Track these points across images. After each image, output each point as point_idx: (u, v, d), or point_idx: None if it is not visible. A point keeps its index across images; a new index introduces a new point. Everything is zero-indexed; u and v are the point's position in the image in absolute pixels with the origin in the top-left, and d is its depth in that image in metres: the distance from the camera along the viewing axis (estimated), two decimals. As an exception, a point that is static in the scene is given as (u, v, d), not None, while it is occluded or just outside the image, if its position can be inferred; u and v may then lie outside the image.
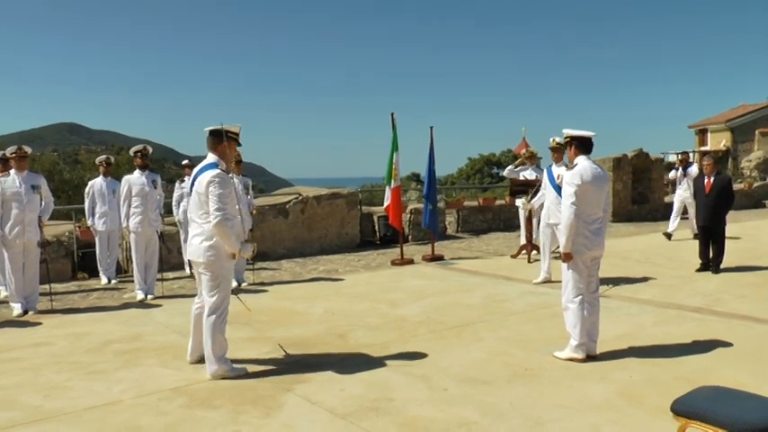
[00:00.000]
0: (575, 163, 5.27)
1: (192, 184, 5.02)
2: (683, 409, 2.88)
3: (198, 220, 4.94)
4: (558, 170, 8.15)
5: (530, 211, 10.76)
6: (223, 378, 4.92)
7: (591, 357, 5.19)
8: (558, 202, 7.88)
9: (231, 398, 4.48)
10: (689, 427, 2.88)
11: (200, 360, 5.17)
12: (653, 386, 4.55)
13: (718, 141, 37.24)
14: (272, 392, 4.57)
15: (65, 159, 48.69)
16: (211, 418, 4.15)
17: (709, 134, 39.66)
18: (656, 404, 4.18)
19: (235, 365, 5.05)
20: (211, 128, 5.04)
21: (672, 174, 13.41)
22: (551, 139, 8.54)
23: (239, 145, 5.27)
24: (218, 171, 4.84)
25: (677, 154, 14.34)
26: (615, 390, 4.49)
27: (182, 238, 10.41)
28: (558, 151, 8.43)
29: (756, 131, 33.95)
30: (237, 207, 5.02)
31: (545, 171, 8.57)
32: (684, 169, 12.81)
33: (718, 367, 4.95)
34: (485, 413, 4.12)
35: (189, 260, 5.03)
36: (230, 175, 4.99)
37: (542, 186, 8.68)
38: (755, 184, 21.49)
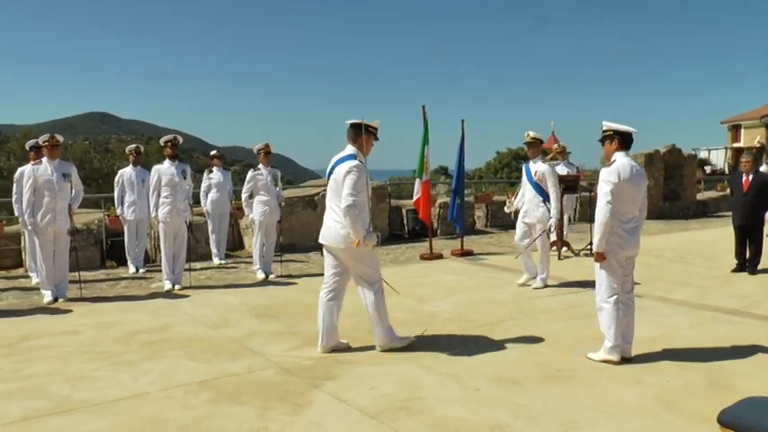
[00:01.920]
0: (612, 159, 5.11)
1: (330, 174, 5.27)
2: (732, 421, 2.75)
3: (335, 207, 5.18)
4: (535, 166, 7.85)
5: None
6: (391, 349, 5.31)
7: (625, 359, 5.04)
8: (535, 200, 7.77)
9: (258, 393, 4.43)
10: (736, 440, 2.75)
11: (334, 350, 5.37)
12: (691, 392, 4.41)
13: (752, 137, 36.48)
14: (300, 389, 4.51)
15: (95, 148, 49.37)
16: (238, 413, 4.10)
17: (742, 130, 38.90)
18: (696, 411, 4.05)
19: (401, 335, 5.44)
20: (353, 121, 5.29)
21: (763, 167, 13.12)
22: (526, 134, 8.06)
23: (377, 139, 5.46)
24: (357, 162, 5.11)
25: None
26: (652, 394, 4.35)
27: (209, 228, 10.43)
28: (534, 147, 7.99)
29: (793, 128, 33.22)
30: (368, 200, 5.30)
31: (523, 167, 8.13)
32: None
33: (757, 373, 4.78)
34: (517, 415, 4.02)
35: (322, 244, 5.32)
36: (363, 164, 5.18)
37: (522, 184, 8.15)
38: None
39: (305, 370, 4.92)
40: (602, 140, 5.22)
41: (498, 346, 5.52)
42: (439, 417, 4.00)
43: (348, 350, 5.42)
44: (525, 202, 7.94)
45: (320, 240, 5.36)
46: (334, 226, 5.17)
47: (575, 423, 3.90)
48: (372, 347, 5.45)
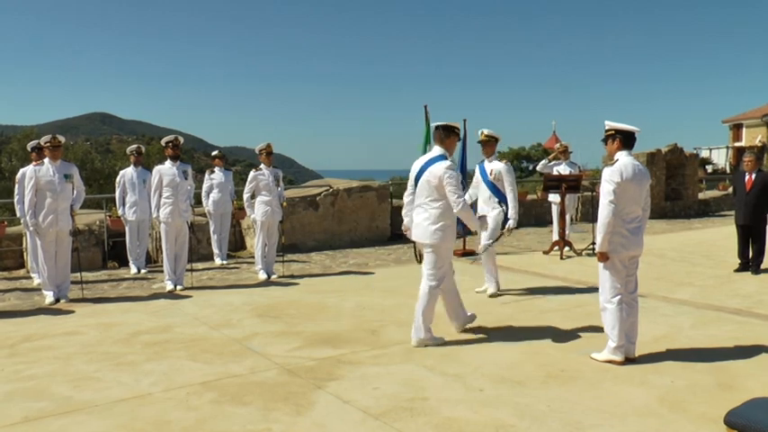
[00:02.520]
0: (615, 158, 5.08)
1: (420, 174, 5.51)
2: (739, 422, 2.73)
3: (425, 205, 5.46)
4: (490, 165, 7.43)
5: (563, 206, 10.57)
6: (425, 346, 5.47)
7: (629, 360, 5.02)
8: (491, 201, 7.38)
9: (261, 394, 4.41)
10: (743, 441, 2.73)
11: (465, 324, 5.88)
12: (695, 392, 4.39)
13: (754, 137, 36.45)
14: (303, 390, 4.49)
15: (97, 149, 49.39)
16: (242, 414, 4.08)
17: (744, 129, 38.86)
18: (701, 412, 4.03)
19: (434, 336, 5.56)
20: (441, 123, 5.62)
21: None
22: (480, 132, 7.59)
23: (459, 140, 6.16)
24: (449, 162, 5.43)
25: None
26: (656, 395, 4.33)
27: (211, 228, 10.42)
28: (489, 145, 7.50)
29: (794, 127, 33.18)
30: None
31: (477, 167, 7.64)
32: None
33: (762, 373, 4.76)
34: (521, 416, 4.00)
35: (414, 241, 5.70)
36: None
37: (473, 184, 7.72)
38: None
39: (308, 371, 4.90)
40: (605, 140, 5.20)
41: (501, 346, 5.51)
42: (443, 417, 3.98)
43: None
44: (480, 203, 7.52)
45: (413, 237, 5.66)
46: (423, 223, 5.47)
47: (579, 424, 3.88)
48: (376, 348, 5.43)
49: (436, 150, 5.55)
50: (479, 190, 7.55)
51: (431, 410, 4.10)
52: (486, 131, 7.52)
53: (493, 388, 4.49)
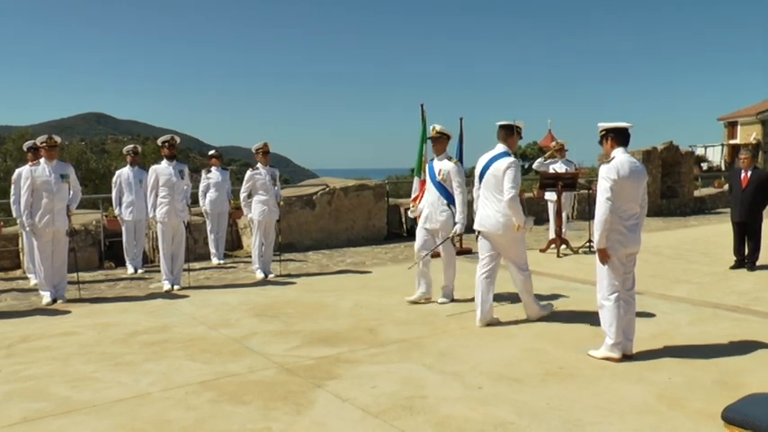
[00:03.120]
0: (611, 156, 5.10)
1: (485, 170, 5.96)
2: (736, 417, 2.74)
3: (492, 198, 5.92)
4: (439, 164, 6.90)
5: (559, 204, 10.58)
6: (540, 318, 6.17)
7: (627, 357, 5.03)
8: (438, 203, 6.88)
9: (260, 393, 4.41)
10: (741, 437, 2.75)
11: (489, 324, 6.04)
12: (693, 389, 4.40)
13: (749, 134, 36.54)
14: (302, 388, 4.49)
15: (92, 149, 49.25)
16: (241, 413, 4.08)
17: (739, 127, 38.95)
18: (699, 408, 4.04)
19: (544, 303, 6.23)
20: (503, 123, 6.05)
21: None
22: (432, 128, 7.05)
23: (521, 138, 6.23)
24: (513, 159, 5.86)
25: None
26: (654, 392, 4.35)
27: (208, 228, 10.41)
28: (440, 142, 6.95)
29: (789, 124, 33.26)
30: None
31: (426, 167, 7.21)
32: None
33: (759, 370, 4.78)
34: (520, 413, 4.01)
35: (479, 230, 6.11)
36: None
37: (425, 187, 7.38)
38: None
39: (306, 369, 4.90)
40: (600, 141, 5.26)
41: (500, 344, 5.52)
42: (442, 415, 3.99)
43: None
44: (427, 205, 7.01)
45: (477, 227, 6.08)
46: (494, 215, 5.91)
47: (578, 421, 3.89)
48: (374, 347, 5.45)
49: (499, 148, 5.99)
50: (428, 191, 7.10)
51: (430, 408, 4.10)
52: (438, 127, 6.99)
53: (491, 386, 4.50)
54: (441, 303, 7.01)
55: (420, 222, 7.09)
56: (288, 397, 4.34)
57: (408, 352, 5.31)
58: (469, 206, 6.56)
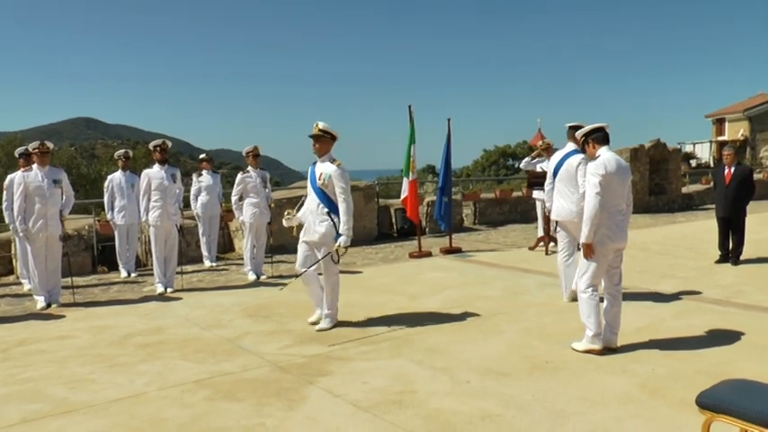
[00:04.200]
0: (597, 155, 5.24)
1: (560, 165, 6.71)
2: (709, 402, 2.87)
3: (565, 190, 6.64)
4: (321, 167, 6.05)
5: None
6: (574, 300, 6.33)
7: (611, 350, 5.17)
8: (318, 212, 6.01)
9: (254, 390, 4.52)
10: (715, 421, 2.87)
11: (574, 299, 6.32)
12: (675, 379, 4.54)
13: (736, 131, 36.85)
14: (294, 385, 4.60)
15: (82, 154, 49.13)
16: (236, 410, 4.19)
17: (726, 123, 39.26)
18: (680, 397, 4.18)
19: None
20: (573, 124, 6.82)
21: None
22: (315, 125, 6.12)
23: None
24: (583, 156, 6.36)
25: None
26: (637, 383, 4.48)
27: (200, 231, 10.49)
28: (322, 142, 6.07)
29: (775, 120, 33.56)
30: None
31: (309, 170, 6.26)
32: None
33: (739, 360, 4.92)
34: (507, 405, 4.13)
35: (557, 220, 6.92)
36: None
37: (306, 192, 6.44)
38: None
39: (299, 367, 5.01)
40: (583, 147, 5.54)
41: (488, 339, 5.64)
42: (431, 409, 4.11)
43: (335, 350, 5.54)
44: (307, 213, 6.17)
45: (554, 217, 6.90)
46: (568, 206, 6.60)
47: (561, 412, 4.02)
48: (365, 344, 5.56)
49: (570, 146, 6.77)
50: (308, 197, 6.24)
51: (419, 402, 4.22)
52: (320, 124, 6.10)
53: (479, 380, 4.62)
54: (318, 330, 6.06)
55: (301, 234, 6.21)
56: (281, 393, 4.45)
57: (398, 348, 5.42)
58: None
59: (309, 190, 6.19)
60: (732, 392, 2.89)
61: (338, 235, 5.94)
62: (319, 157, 6.13)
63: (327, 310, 6.18)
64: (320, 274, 6.21)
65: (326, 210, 6.00)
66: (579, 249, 5.34)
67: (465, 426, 3.86)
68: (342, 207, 5.94)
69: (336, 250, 5.95)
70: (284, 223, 6.39)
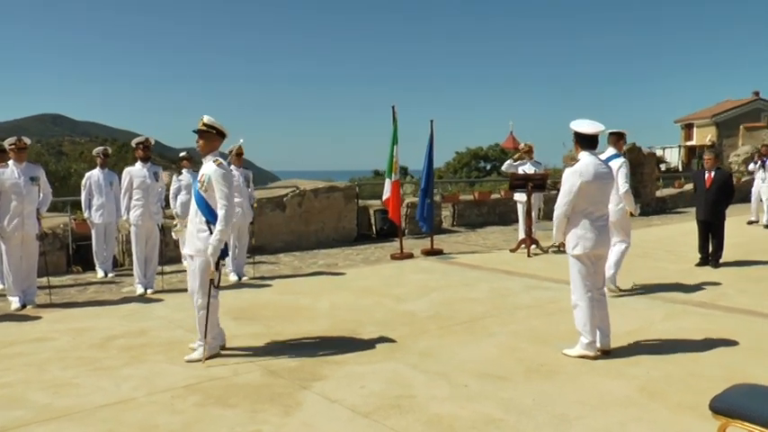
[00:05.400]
0: (578, 158, 5.18)
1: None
2: (723, 407, 2.84)
3: None
4: (203, 168, 5.31)
5: (529, 204, 10.71)
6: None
7: (605, 353, 5.15)
8: (197, 220, 5.23)
9: (247, 396, 4.40)
10: (730, 426, 2.84)
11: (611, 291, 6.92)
12: (671, 382, 4.53)
13: (705, 136, 37.52)
14: (288, 390, 4.49)
15: (48, 151, 48.14)
16: (229, 416, 4.06)
17: (695, 129, 39.94)
18: (679, 400, 4.17)
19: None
20: (613, 131, 7.28)
21: (751, 166, 15.43)
22: (200, 119, 5.32)
23: (625, 143, 7.67)
24: (623, 159, 7.24)
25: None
26: (635, 386, 4.46)
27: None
28: (204, 137, 5.29)
29: (741, 126, 34.26)
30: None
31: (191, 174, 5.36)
32: (763, 162, 14.34)
33: (731, 362, 4.95)
34: (507, 410, 4.08)
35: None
36: None
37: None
38: (743, 179, 21.68)
39: (291, 371, 4.90)
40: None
41: (480, 342, 5.59)
42: (432, 414, 4.04)
43: (326, 354, 5.44)
44: (188, 222, 5.42)
45: None
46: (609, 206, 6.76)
47: (564, 416, 3.98)
48: (356, 348, 5.47)
49: (610, 150, 7.29)
50: (191, 205, 5.44)
51: (419, 407, 4.14)
52: (205, 119, 5.30)
53: (477, 384, 4.56)
54: (187, 361, 5.20)
55: (186, 249, 5.45)
56: (275, 399, 4.34)
57: (391, 352, 5.34)
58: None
59: (192, 197, 5.42)
60: (746, 397, 2.87)
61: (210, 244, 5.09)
62: (203, 155, 5.34)
63: (200, 339, 5.26)
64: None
65: (205, 219, 5.16)
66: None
67: (468, 431, 3.79)
68: (220, 213, 5.08)
69: (216, 269, 5.16)
70: (173, 235, 5.54)
